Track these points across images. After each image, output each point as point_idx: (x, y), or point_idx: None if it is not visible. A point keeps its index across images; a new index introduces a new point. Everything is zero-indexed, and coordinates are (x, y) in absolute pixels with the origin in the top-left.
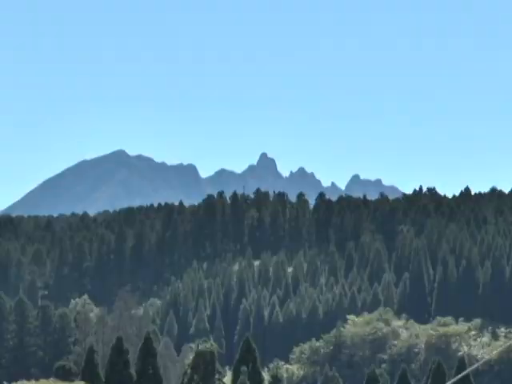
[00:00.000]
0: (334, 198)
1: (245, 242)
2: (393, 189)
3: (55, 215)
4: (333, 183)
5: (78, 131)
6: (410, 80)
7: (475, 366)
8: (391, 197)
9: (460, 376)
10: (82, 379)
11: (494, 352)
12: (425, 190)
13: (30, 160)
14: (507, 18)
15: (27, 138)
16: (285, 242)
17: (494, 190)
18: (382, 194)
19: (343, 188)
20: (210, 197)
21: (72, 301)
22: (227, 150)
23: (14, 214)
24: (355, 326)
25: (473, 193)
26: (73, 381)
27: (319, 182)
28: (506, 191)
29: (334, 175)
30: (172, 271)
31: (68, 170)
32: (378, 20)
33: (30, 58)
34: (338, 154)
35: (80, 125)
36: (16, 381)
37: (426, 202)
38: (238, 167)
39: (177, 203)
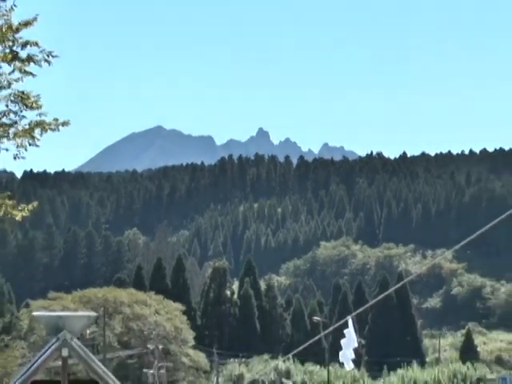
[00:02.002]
0: (310, 160)
1: (247, 191)
2: (352, 153)
3: (114, 171)
4: (309, 149)
5: (129, 109)
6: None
7: (410, 277)
8: (351, 158)
9: (399, 285)
10: (133, 287)
11: (424, 268)
12: (375, 153)
13: (96, 130)
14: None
15: (94, 112)
16: (276, 191)
17: (423, 154)
18: (344, 157)
19: (317, 152)
20: (222, 159)
21: (125, 232)
22: (235, 125)
23: (84, 171)
24: (326, 249)
25: (408, 155)
26: (126, 288)
27: (300, 148)
28: (432, 154)
29: (310, 143)
30: (196, 211)
31: (123, 139)
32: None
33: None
34: (313, 127)
35: (130, 104)
36: (86, 288)
37: (375, 162)
38: (243, 137)
39: (199, 163)
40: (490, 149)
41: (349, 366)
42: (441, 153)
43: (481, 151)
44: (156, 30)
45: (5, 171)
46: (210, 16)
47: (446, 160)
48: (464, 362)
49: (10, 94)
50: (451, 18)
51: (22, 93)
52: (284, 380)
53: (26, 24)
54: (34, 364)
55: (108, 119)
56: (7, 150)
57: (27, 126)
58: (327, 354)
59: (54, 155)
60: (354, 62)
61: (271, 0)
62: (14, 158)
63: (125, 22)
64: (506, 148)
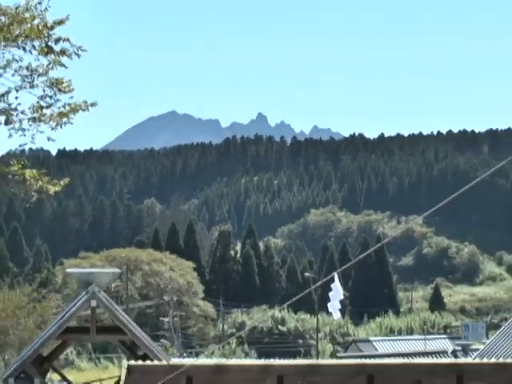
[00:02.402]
0: (302, 140)
1: (248, 166)
2: (338, 134)
3: (135, 150)
4: (301, 130)
5: (147, 96)
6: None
7: (387, 239)
8: (337, 138)
9: (377, 246)
10: (151, 248)
11: (398, 231)
12: (357, 134)
13: (119, 114)
14: None
15: (118, 98)
16: (272, 166)
17: (398, 134)
18: (331, 137)
19: (307, 133)
20: (227, 139)
21: (144, 201)
22: (238, 110)
23: (109, 149)
24: (315, 216)
25: (385, 136)
26: (145, 249)
27: (293, 129)
28: (406, 135)
29: (302, 125)
30: (204, 183)
31: (142, 122)
32: None
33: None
34: (304, 111)
35: (147, 90)
36: (111, 249)
37: (357, 142)
38: (245, 120)
39: (207, 143)
40: (455, 130)
41: (336, 315)
42: (413, 133)
43: (447, 132)
44: (170, 21)
45: (42, 149)
46: (218, 5)
47: (417, 140)
48: (432, 312)
49: (46, 80)
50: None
51: (57, 79)
52: (279, 326)
53: (60, 22)
54: (67, 313)
55: (130, 104)
56: (42, 132)
57: (62, 109)
58: (316, 305)
59: (84, 135)
60: (335, 53)
61: None
62: (48, 140)
63: (144, 11)
64: (469, 129)
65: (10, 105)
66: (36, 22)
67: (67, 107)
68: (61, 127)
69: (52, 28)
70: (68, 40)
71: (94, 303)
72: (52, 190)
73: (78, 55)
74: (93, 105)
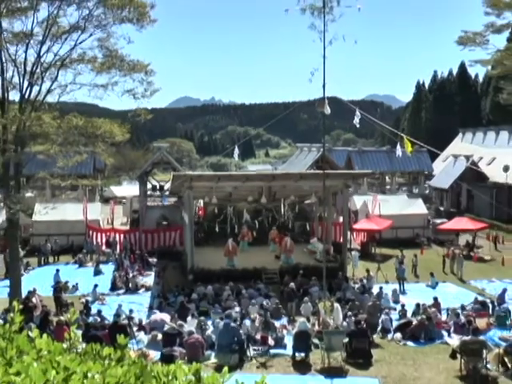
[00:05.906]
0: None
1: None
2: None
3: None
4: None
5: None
6: None
7: (246, 137)
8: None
9: (243, 140)
10: (180, 138)
11: (256, 131)
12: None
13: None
14: None
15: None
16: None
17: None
18: (233, 104)
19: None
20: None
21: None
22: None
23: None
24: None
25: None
26: (177, 139)
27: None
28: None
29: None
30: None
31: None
32: None
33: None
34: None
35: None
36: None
37: (236, 105)
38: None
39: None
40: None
41: (236, 158)
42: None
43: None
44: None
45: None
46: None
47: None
48: (266, 157)
49: (145, 82)
50: None
51: (148, 81)
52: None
53: (148, 64)
54: (155, 156)
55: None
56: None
57: (148, 92)
58: (231, 155)
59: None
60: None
61: None
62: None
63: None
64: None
65: (135, 92)
66: (139, 62)
67: (152, 91)
68: (148, 98)
69: (147, 65)
70: (152, 70)
71: (163, 154)
72: (148, 116)
73: (154, 73)
74: (157, 90)
